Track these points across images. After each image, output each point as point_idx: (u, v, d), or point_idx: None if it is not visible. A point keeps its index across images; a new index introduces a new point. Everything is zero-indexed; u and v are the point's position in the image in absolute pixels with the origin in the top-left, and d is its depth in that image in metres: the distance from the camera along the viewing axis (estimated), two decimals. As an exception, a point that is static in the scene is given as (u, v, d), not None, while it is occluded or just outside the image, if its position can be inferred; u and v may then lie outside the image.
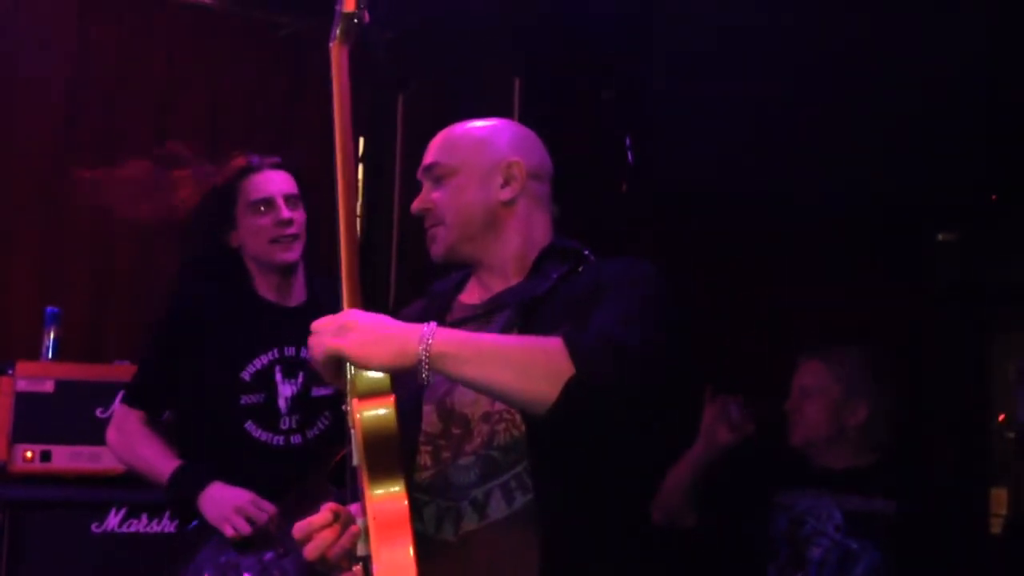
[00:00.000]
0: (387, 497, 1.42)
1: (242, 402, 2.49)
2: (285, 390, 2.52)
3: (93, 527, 3.02)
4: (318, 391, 2.54)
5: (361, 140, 3.86)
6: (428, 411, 1.69)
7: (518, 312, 1.68)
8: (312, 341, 1.49)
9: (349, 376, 1.47)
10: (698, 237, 3.67)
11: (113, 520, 3.02)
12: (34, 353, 3.25)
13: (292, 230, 2.52)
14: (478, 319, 1.72)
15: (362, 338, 1.45)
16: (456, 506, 1.62)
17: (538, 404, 1.47)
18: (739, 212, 3.58)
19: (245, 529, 2.33)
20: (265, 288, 2.58)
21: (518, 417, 1.61)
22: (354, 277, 1.55)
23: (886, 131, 3.25)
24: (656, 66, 3.48)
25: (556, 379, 1.45)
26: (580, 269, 1.73)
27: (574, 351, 1.46)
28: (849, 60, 3.18)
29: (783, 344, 3.18)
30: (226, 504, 2.35)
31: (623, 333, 1.52)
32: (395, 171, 3.58)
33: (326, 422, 2.55)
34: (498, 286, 1.76)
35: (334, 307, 2.61)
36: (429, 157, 1.78)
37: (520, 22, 3.43)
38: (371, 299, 2.70)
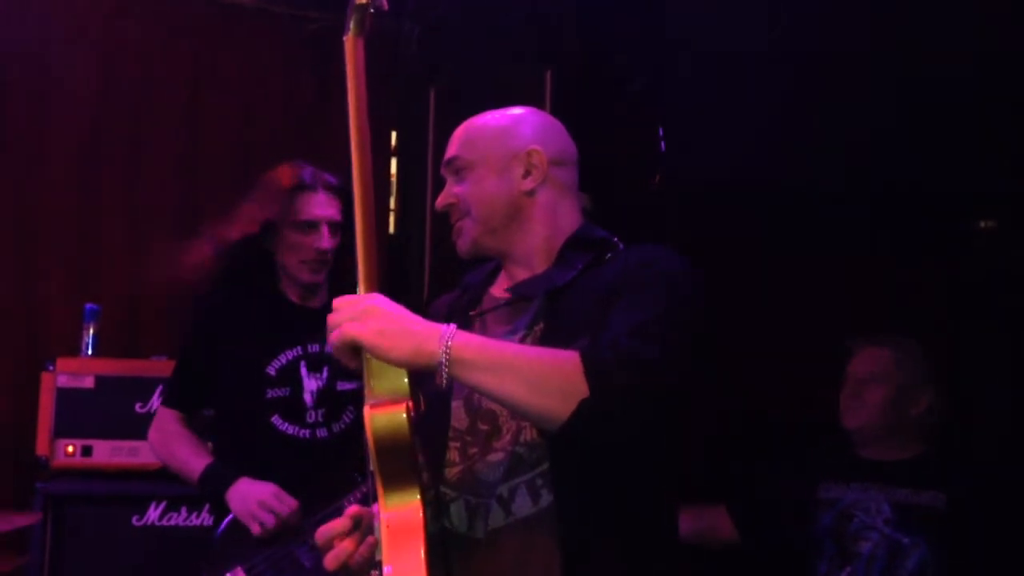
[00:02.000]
0: (399, 506, 1.40)
1: (268, 396, 2.53)
2: (310, 384, 2.56)
3: (134, 520, 3.06)
4: (343, 385, 2.58)
5: (394, 134, 3.88)
6: (456, 407, 1.68)
7: (543, 303, 1.66)
8: (331, 321, 1.45)
9: (366, 374, 1.44)
10: (727, 228, 3.64)
11: (153, 513, 3.06)
12: (74, 349, 3.29)
13: (325, 258, 2.58)
14: (501, 309, 1.71)
15: (381, 327, 1.42)
16: (484, 503, 1.61)
17: (550, 421, 1.45)
18: (768, 203, 3.55)
19: (269, 522, 2.36)
20: (291, 290, 2.64)
21: None
22: (371, 263, 1.50)
23: (922, 118, 3.21)
24: (684, 56, 3.46)
25: (570, 398, 1.43)
26: (608, 257, 1.69)
27: (590, 371, 1.43)
28: (881, 46, 3.15)
29: (816, 336, 3.15)
30: (251, 499, 2.40)
31: (641, 348, 1.47)
32: (427, 164, 3.59)
33: (351, 416, 2.58)
34: (525, 277, 1.73)
35: None
36: (449, 151, 1.76)
37: (551, 13, 3.42)
38: (405, 292, 2.73)
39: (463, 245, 1.75)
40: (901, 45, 3.10)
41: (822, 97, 3.26)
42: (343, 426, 2.58)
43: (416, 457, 1.43)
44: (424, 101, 3.57)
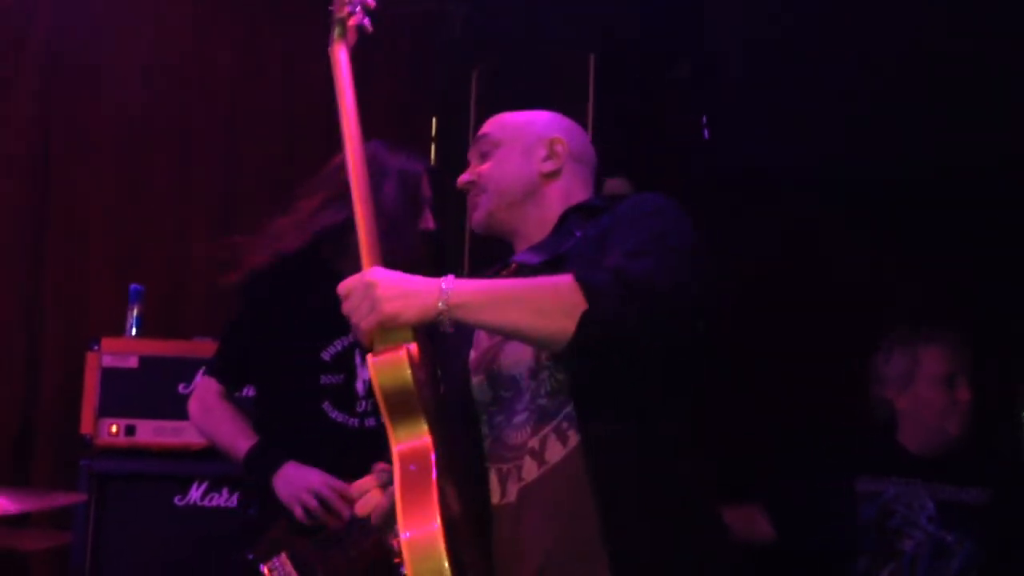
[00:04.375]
0: (409, 438, 1.45)
1: (322, 382, 2.51)
2: (364, 373, 2.52)
3: (176, 500, 3.09)
4: None
5: (434, 120, 3.88)
6: (478, 382, 1.73)
7: (545, 270, 1.68)
8: (347, 310, 1.51)
9: (376, 339, 1.50)
10: (769, 218, 3.59)
11: (195, 493, 3.09)
12: (118, 330, 3.32)
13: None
14: (504, 276, 1.74)
15: (394, 307, 1.48)
16: (515, 464, 1.65)
17: (556, 341, 1.52)
18: (811, 192, 3.50)
19: (314, 507, 2.33)
20: (351, 272, 2.58)
21: (560, 365, 1.63)
22: (372, 238, 1.60)
23: (971, 110, 3.16)
24: (731, 43, 3.42)
25: (571, 314, 1.49)
26: (601, 217, 1.75)
27: (585, 285, 1.50)
28: (931, 32, 3.09)
29: (860, 326, 3.11)
30: (299, 484, 2.36)
31: (632, 264, 1.55)
32: (468, 148, 3.58)
33: None
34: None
35: None
36: (482, 130, 1.88)
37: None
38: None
39: (478, 218, 1.84)
40: (956, 31, 3.05)
41: (865, 86, 3.22)
42: None
43: (421, 398, 1.48)
44: (465, 86, 3.56)
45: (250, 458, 2.46)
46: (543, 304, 1.51)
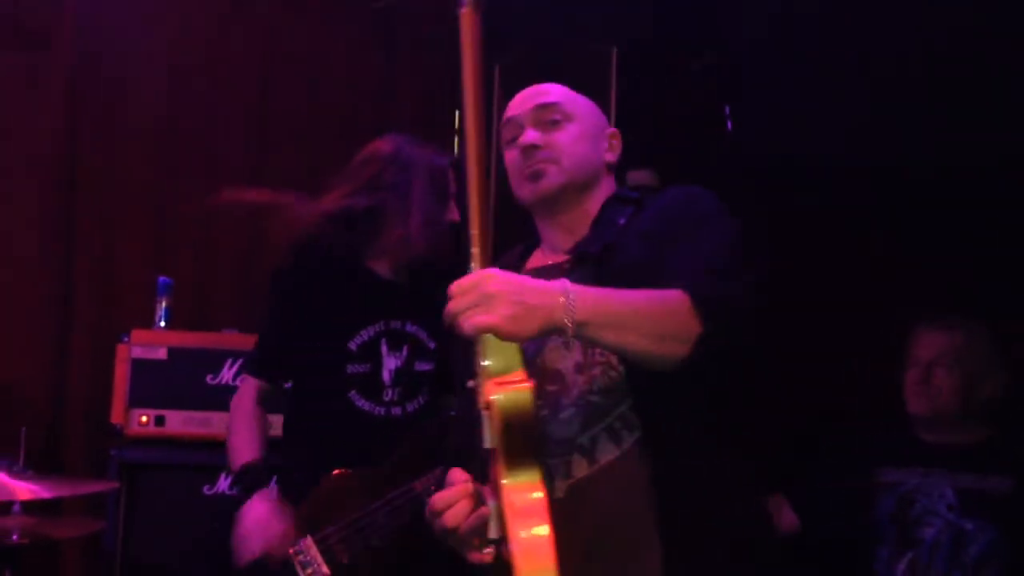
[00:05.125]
0: (523, 486, 1.38)
1: (348, 371, 2.52)
2: (390, 363, 2.55)
3: (205, 489, 3.14)
4: (421, 366, 2.57)
5: (457, 112, 3.89)
6: None
7: (597, 263, 1.70)
8: (454, 308, 1.42)
9: (480, 351, 1.43)
10: (791, 208, 3.59)
11: (224, 483, 3.13)
12: (148, 322, 3.37)
13: None
14: (560, 271, 1.72)
15: (512, 312, 1.41)
16: (563, 460, 1.65)
17: (668, 363, 1.53)
18: (833, 181, 3.49)
19: (251, 557, 2.35)
20: (376, 263, 2.60)
21: (614, 359, 1.64)
22: (486, 240, 1.48)
23: (997, 100, 3.14)
24: (751, 35, 3.42)
25: (687, 339, 1.52)
26: (642, 205, 1.77)
27: (700, 309, 1.53)
28: (954, 26, 3.08)
29: (877, 318, 3.11)
30: (253, 526, 2.37)
31: (724, 284, 1.58)
32: (491, 142, 3.60)
33: (426, 397, 2.58)
34: (563, 244, 1.79)
35: (436, 280, 2.63)
36: (548, 97, 1.81)
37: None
38: (445, 275, 2.73)
39: (546, 187, 1.76)
40: (976, 24, 3.03)
41: (888, 75, 3.20)
42: (417, 406, 2.56)
43: (539, 434, 1.44)
44: (489, 79, 3.57)
45: (238, 474, 2.48)
46: (662, 329, 1.51)
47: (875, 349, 2.82)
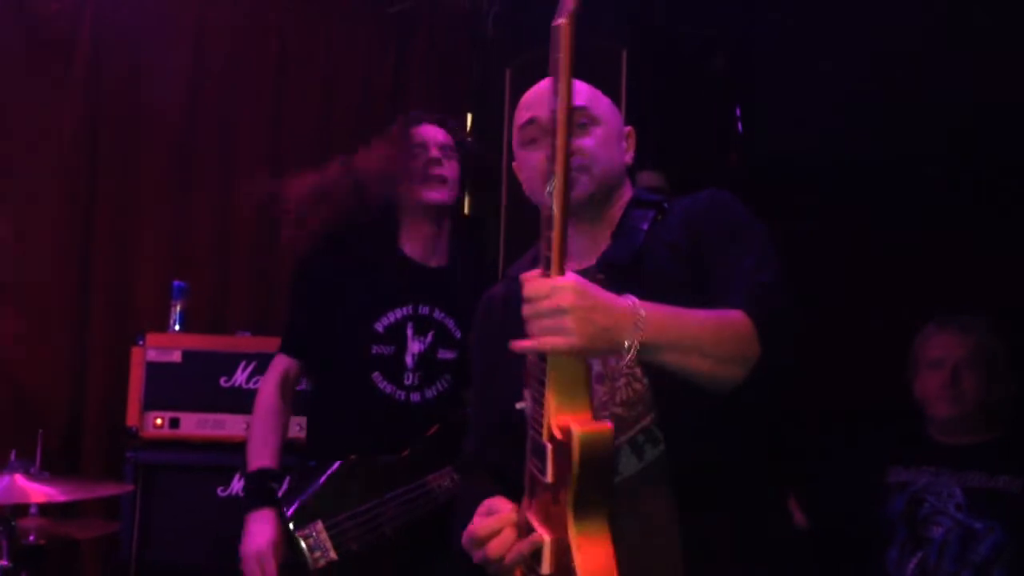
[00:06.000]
0: (590, 533, 1.34)
1: (373, 352, 2.52)
2: (414, 347, 2.54)
3: (219, 491, 3.15)
4: (444, 354, 2.57)
5: (469, 116, 3.91)
6: None
7: (627, 273, 1.66)
8: (528, 313, 1.39)
9: (548, 378, 1.38)
10: (802, 210, 3.58)
11: (237, 485, 3.14)
12: (162, 325, 3.39)
13: (441, 171, 2.55)
14: (590, 278, 1.70)
15: (586, 333, 1.37)
16: None
17: (728, 384, 1.50)
18: (843, 184, 3.48)
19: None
20: (410, 245, 2.59)
21: (638, 371, 1.61)
22: (563, 243, 1.40)
23: (1006, 96, 3.13)
24: (764, 35, 3.42)
25: (748, 361, 1.50)
26: (666, 209, 1.73)
27: (762, 333, 1.50)
28: (966, 25, 3.07)
29: (888, 318, 3.09)
30: (250, 541, 2.41)
31: (783, 300, 1.57)
32: (502, 145, 3.61)
33: (445, 384, 2.57)
34: (586, 251, 1.72)
35: (473, 272, 2.64)
36: (578, 100, 1.68)
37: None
38: (481, 271, 2.75)
39: (577, 195, 1.66)
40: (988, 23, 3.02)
41: (899, 77, 3.20)
42: (435, 393, 2.56)
43: (613, 478, 1.40)
44: (500, 82, 3.59)
45: (248, 479, 2.50)
46: (727, 352, 1.48)
47: (884, 349, 2.80)
